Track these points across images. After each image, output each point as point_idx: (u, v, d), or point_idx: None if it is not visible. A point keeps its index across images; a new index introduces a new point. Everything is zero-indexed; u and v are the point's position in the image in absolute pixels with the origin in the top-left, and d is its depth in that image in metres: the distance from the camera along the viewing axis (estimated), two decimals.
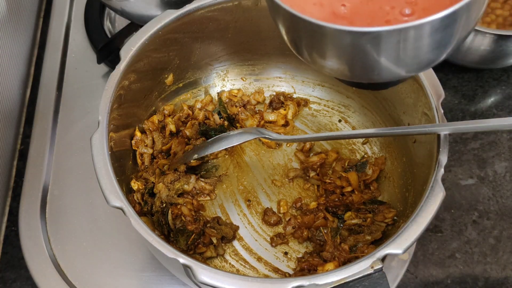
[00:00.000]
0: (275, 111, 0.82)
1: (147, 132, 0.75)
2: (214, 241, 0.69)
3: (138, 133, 0.74)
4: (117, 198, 0.56)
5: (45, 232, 0.75)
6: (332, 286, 0.51)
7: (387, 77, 0.46)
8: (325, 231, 0.70)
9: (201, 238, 0.69)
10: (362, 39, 0.40)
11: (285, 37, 0.47)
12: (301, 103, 0.82)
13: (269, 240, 0.72)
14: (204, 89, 0.83)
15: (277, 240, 0.71)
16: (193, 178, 0.73)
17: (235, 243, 0.71)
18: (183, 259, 0.53)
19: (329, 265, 0.64)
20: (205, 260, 0.69)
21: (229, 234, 0.70)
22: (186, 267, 0.53)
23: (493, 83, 0.89)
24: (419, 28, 0.38)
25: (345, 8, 0.43)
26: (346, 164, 0.76)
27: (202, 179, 0.75)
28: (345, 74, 0.46)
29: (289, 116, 0.81)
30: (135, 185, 0.70)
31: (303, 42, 0.45)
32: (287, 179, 0.76)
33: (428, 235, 0.75)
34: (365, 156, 0.77)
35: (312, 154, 0.78)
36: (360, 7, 0.43)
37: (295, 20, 0.42)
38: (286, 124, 0.81)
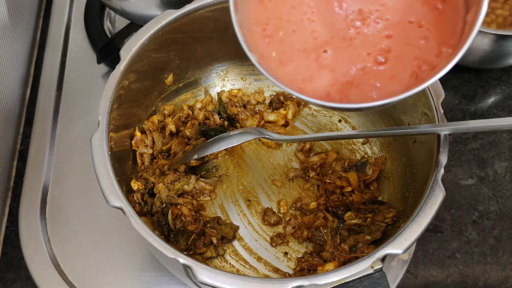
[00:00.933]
0: (275, 111, 0.82)
1: (147, 132, 0.75)
2: (214, 241, 0.69)
3: (138, 133, 0.74)
4: (117, 198, 0.56)
5: (45, 232, 0.75)
6: (332, 286, 0.51)
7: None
8: (325, 231, 0.70)
9: (201, 238, 0.69)
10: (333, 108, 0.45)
11: None
12: (301, 103, 0.82)
13: (269, 240, 0.72)
14: (204, 89, 0.83)
15: (277, 240, 0.71)
16: (193, 178, 0.73)
17: (235, 243, 0.71)
18: (183, 259, 0.53)
19: (329, 265, 0.64)
20: (205, 260, 0.69)
21: (229, 234, 0.70)
22: (186, 267, 0.53)
23: (493, 83, 0.89)
24: (383, 104, 0.42)
25: (326, 55, 0.46)
26: (346, 164, 0.76)
27: (202, 179, 0.75)
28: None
29: (289, 116, 0.81)
30: (135, 185, 0.70)
31: None
32: (287, 179, 0.76)
33: (428, 235, 0.75)
34: (365, 156, 0.77)
35: (312, 154, 0.78)
36: (340, 53, 0.46)
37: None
38: (286, 124, 0.81)
